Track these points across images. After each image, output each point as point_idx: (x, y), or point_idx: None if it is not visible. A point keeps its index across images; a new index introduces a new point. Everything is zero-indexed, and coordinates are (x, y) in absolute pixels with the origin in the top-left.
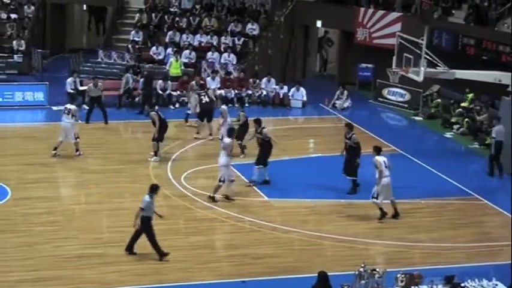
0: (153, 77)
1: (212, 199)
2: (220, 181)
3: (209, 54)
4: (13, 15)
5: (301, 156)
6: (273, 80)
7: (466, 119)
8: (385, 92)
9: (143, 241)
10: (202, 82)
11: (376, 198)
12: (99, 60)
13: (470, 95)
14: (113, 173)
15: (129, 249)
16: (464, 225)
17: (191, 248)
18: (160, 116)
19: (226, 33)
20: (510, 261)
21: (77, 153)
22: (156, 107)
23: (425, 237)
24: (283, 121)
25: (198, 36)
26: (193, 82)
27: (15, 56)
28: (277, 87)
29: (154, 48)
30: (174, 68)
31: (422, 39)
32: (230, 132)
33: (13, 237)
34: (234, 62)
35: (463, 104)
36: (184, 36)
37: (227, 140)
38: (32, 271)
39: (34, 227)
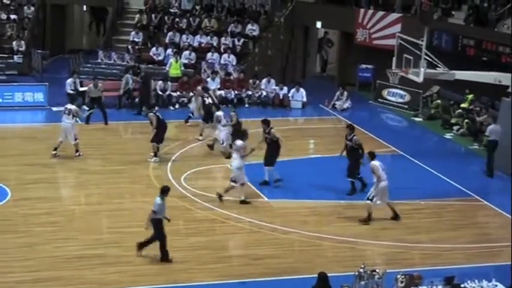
0: (150, 78)
1: (219, 197)
2: (232, 182)
3: (209, 55)
4: (13, 16)
5: (301, 157)
6: (272, 80)
7: (466, 120)
8: (385, 92)
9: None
10: (206, 85)
11: (371, 200)
12: (99, 61)
13: (470, 96)
14: (113, 173)
15: (140, 247)
16: (464, 226)
17: (191, 249)
18: (159, 117)
19: (226, 34)
20: (510, 262)
21: (77, 153)
22: (156, 108)
23: (425, 238)
24: (283, 122)
25: (198, 37)
26: (200, 87)
27: (15, 56)
28: (277, 88)
29: (154, 49)
30: (174, 68)
31: (422, 40)
32: (243, 135)
33: (13, 238)
34: (234, 63)
35: (463, 105)
36: (184, 37)
37: (239, 142)
38: (32, 272)
39: (34, 227)
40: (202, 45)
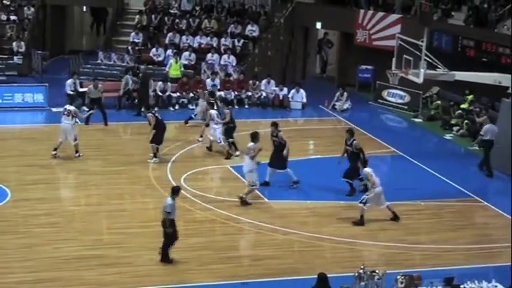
0: (148, 78)
1: (242, 202)
2: (251, 186)
3: (209, 55)
4: (13, 17)
5: (300, 157)
6: (272, 81)
7: (466, 121)
8: (384, 93)
9: (143, 242)
10: (214, 90)
11: (364, 204)
12: (99, 61)
13: (470, 97)
14: (113, 174)
15: (163, 254)
16: (464, 227)
17: (191, 250)
18: (158, 118)
19: (226, 35)
20: (510, 263)
21: (77, 154)
22: (155, 109)
23: (425, 238)
24: (282, 123)
25: (197, 37)
26: (206, 91)
27: (15, 57)
28: (277, 88)
29: (154, 49)
30: (174, 69)
31: (422, 41)
32: (254, 137)
33: (13, 239)
34: (234, 64)
35: (462, 106)
36: (184, 37)
37: (250, 144)
38: (31, 272)
39: (34, 228)
40: (202, 46)
